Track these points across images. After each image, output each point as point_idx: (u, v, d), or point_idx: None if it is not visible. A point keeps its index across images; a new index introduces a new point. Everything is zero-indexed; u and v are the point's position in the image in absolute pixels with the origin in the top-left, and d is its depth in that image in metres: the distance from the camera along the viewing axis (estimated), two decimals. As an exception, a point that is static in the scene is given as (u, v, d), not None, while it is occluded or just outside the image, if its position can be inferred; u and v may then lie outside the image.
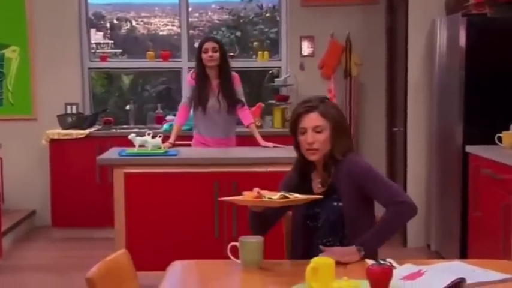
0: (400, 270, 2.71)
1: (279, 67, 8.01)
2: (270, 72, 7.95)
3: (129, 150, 5.28)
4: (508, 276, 2.67)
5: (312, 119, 3.17)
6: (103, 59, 8.03)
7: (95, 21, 8.49)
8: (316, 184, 3.26)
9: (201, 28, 8.57)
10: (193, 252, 4.63)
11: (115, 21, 8.70)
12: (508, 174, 4.73)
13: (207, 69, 5.78)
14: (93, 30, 8.29)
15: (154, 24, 8.69)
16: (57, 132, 7.21)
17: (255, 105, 7.43)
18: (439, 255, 6.14)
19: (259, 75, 8.09)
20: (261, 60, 7.97)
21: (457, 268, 2.76)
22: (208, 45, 5.74)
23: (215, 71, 5.79)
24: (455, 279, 2.55)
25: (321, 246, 3.03)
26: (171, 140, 5.72)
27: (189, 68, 7.85)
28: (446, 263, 2.92)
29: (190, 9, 8.08)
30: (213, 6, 8.56)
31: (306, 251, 3.18)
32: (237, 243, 2.90)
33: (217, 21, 8.63)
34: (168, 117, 7.54)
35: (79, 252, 6.53)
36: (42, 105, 7.67)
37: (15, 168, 7.62)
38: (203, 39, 6.07)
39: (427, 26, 6.47)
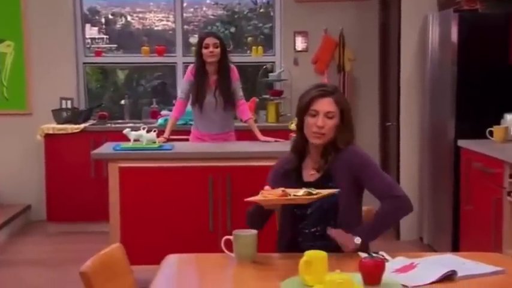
0: (393, 263, 2.75)
1: (273, 62, 8.04)
2: (264, 67, 7.98)
3: (124, 144, 5.29)
4: (499, 268, 2.70)
5: (326, 104, 3.20)
6: (98, 54, 8.04)
7: (90, 16, 8.48)
8: (309, 171, 3.28)
9: (195, 23, 8.58)
10: (188, 246, 4.63)
11: (110, 16, 8.70)
12: (499, 168, 4.77)
13: (207, 65, 5.72)
14: (88, 25, 8.28)
15: (149, 20, 8.69)
16: (52, 127, 7.22)
17: (250, 100, 7.44)
18: (432, 248, 6.18)
19: (254, 70, 8.11)
20: (255, 56, 7.99)
21: (448, 261, 2.79)
22: (209, 40, 5.66)
23: (214, 66, 5.73)
24: (447, 272, 2.59)
25: (329, 228, 3.06)
26: (165, 134, 5.68)
27: (183, 63, 7.89)
28: (438, 256, 2.96)
29: (185, 4, 8.09)
30: (208, 1, 8.56)
31: (292, 240, 3.21)
32: (231, 237, 2.91)
33: (211, 17, 8.63)
34: (163, 112, 7.54)
35: (74, 246, 6.54)
36: (37, 100, 7.67)
37: (10, 163, 7.65)
38: (203, 34, 6.02)
39: (420, 22, 6.51)
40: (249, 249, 2.88)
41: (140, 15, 8.69)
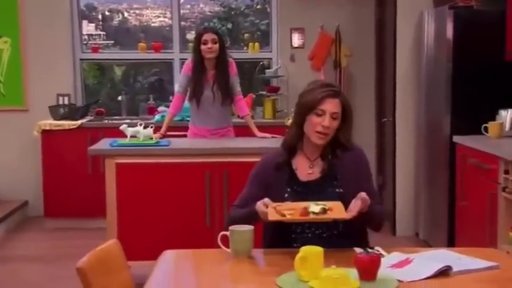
0: (388, 259, 2.76)
1: (270, 58, 8.05)
2: (261, 63, 7.99)
3: (121, 140, 5.30)
4: (493, 263, 2.72)
5: (334, 105, 3.16)
6: (95, 50, 8.04)
7: (87, 13, 8.49)
8: (305, 170, 3.24)
9: (192, 20, 8.59)
10: (185, 241, 4.65)
11: (107, 13, 8.71)
12: (494, 164, 4.79)
13: (205, 60, 5.68)
14: (85, 22, 8.29)
15: (146, 16, 8.70)
16: (49, 123, 7.23)
17: (246, 96, 7.45)
18: (427, 244, 6.20)
19: (250, 67, 8.12)
20: (251, 52, 8.00)
21: (444, 256, 2.81)
22: (208, 36, 5.62)
23: (213, 61, 5.69)
24: (442, 267, 2.61)
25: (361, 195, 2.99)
26: (162, 130, 5.68)
27: (180, 59, 7.89)
28: (434, 251, 2.97)
29: (181, 0, 8.10)
30: (205, -3, 8.59)
31: (283, 240, 3.14)
32: (227, 233, 2.92)
33: (208, 13, 8.64)
34: (160, 108, 7.54)
35: (71, 242, 6.55)
36: (34, 96, 7.68)
37: (7, 159, 7.65)
38: (201, 30, 5.95)
39: (415, 18, 6.53)
40: (245, 245, 2.88)
41: (137, 11, 8.69)
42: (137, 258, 4.15)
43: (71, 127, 7.19)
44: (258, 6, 8.52)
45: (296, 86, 7.65)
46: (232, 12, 8.61)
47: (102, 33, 8.66)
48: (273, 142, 5.46)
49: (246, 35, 8.40)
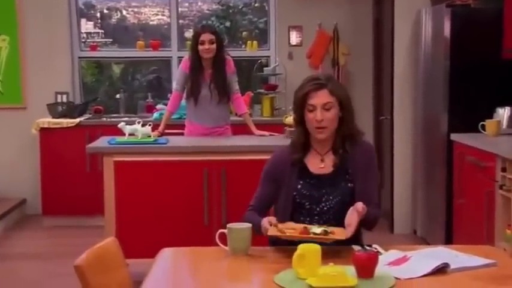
0: (386, 256, 2.77)
1: (268, 56, 8.06)
2: (259, 61, 7.99)
3: (119, 138, 5.30)
4: (491, 261, 2.73)
5: (322, 97, 3.15)
6: (93, 48, 8.04)
7: (85, 11, 8.49)
8: (316, 164, 3.24)
9: (190, 18, 8.59)
10: (183, 239, 4.63)
11: (105, 11, 8.71)
12: (491, 162, 4.81)
13: (202, 60, 5.68)
14: (83, 20, 8.30)
15: (145, 14, 8.70)
16: (48, 121, 7.23)
17: (244, 94, 7.46)
18: (425, 241, 6.21)
19: (248, 65, 8.12)
20: (250, 50, 8.01)
21: (441, 253, 2.82)
22: (205, 37, 5.61)
23: (210, 61, 5.69)
24: (440, 265, 2.62)
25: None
26: (160, 129, 5.69)
27: (178, 57, 7.90)
28: (431, 249, 2.98)
29: (179, -1, 8.12)
30: (203, -5, 8.60)
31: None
32: (225, 231, 2.92)
33: (206, 11, 8.64)
34: (159, 106, 7.54)
35: (69, 240, 6.54)
36: (32, 94, 7.68)
37: (5, 157, 7.66)
38: (199, 29, 5.88)
39: (413, 17, 6.54)
40: (242, 243, 2.89)
41: (135, 9, 8.70)
42: (135, 256, 4.16)
43: (69, 125, 7.19)
44: (256, 5, 8.52)
45: (294, 84, 7.58)
46: (231, 11, 8.61)
47: (100, 31, 8.66)
48: (271, 140, 5.48)
49: (244, 33, 8.41)
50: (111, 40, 8.66)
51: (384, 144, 7.22)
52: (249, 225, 2.94)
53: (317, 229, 2.86)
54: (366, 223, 3.09)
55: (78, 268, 2.63)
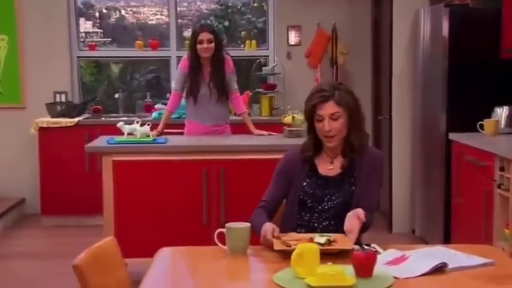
0: (384, 256, 2.77)
1: (267, 56, 8.06)
2: (258, 61, 8.00)
3: (118, 138, 5.30)
4: (489, 260, 2.73)
5: (328, 108, 3.24)
6: (92, 47, 8.04)
7: (84, 10, 8.49)
8: (326, 165, 3.34)
9: (189, 17, 8.59)
10: (182, 238, 4.64)
11: (104, 11, 8.71)
12: (489, 161, 4.81)
13: (201, 58, 5.70)
14: (82, 19, 8.30)
15: (143, 14, 8.70)
16: (46, 120, 7.22)
17: (243, 94, 7.46)
18: (424, 241, 6.21)
19: (247, 64, 8.13)
20: (248, 50, 8.02)
21: (439, 253, 2.82)
22: (203, 36, 5.63)
23: (208, 60, 5.70)
24: (438, 264, 2.62)
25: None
26: (159, 128, 5.69)
27: (177, 57, 7.89)
28: (429, 248, 2.99)
29: (178, -2, 8.12)
30: (201, -5, 8.60)
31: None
32: (223, 230, 2.92)
33: (205, 11, 8.65)
34: (157, 106, 7.54)
35: (68, 239, 6.54)
36: (31, 94, 7.68)
37: (4, 156, 7.65)
38: (198, 28, 5.91)
39: (411, 16, 6.54)
40: (241, 242, 2.89)
41: (134, 9, 8.70)
42: (134, 256, 4.16)
43: (68, 124, 7.19)
44: (255, 4, 8.53)
45: (293, 84, 7.68)
46: (229, 10, 8.62)
47: (99, 30, 8.67)
48: (270, 140, 5.49)
49: (242, 33, 8.42)
50: (110, 40, 8.66)
51: (382, 143, 7.23)
52: (248, 224, 2.95)
53: (320, 239, 2.87)
54: (362, 229, 3.11)
55: (76, 268, 2.63)
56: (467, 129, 5.49)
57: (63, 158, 7.16)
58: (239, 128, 5.99)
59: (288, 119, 5.45)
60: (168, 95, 7.98)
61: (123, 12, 8.73)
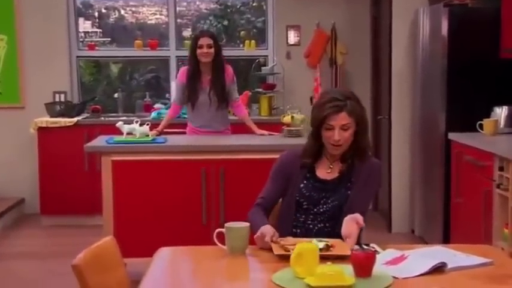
0: (383, 255, 2.77)
1: (266, 56, 8.06)
2: (257, 61, 8.01)
3: (117, 138, 5.30)
4: (488, 260, 2.74)
5: (341, 119, 3.22)
6: (91, 47, 8.04)
7: (83, 10, 8.49)
8: (324, 169, 3.34)
9: (188, 17, 8.60)
10: (181, 238, 4.65)
11: (103, 10, 8.71)
12: (489, 161, 4.81)
13: (201, 64, 5.71)
14: (81, 19, 8.29)
15: (143, 13, 8.70)
16: (46, 120, 7.22)
17: (242, 94, 7.46)
18: (423, 240, 6.21)
19: (246, 64, 8.13)
20: (247, 49, 8.02)
21: (438, 253, 2.83)
22: (203, 41, 5.65)
23: (209, 66, 5.72)
24: (437, 264, 2.63)
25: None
26: (159, 128, 5.72)
27: (177, 56, 7.92)
28: (429, 248, 2.99)
29: (177, -2, 8.12)
30: (201, -5, 8.60)
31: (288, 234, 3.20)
32: (223, 230, 2.92)
33: (204, 11, 8.65)
34: (156, 106, 7.56)
35: (68, 239, 6.53)
36: (30, 94, 7.67)
37: (3, 156, 7.65)
38: (198, 33, 5.95)
39: (411, 16, 6.54)
40: (240, 242, 2.89)
41: (133, 9, 8.69)
42: (133, 255, 4.17)
43: (67, 124, 7.19)
44: (254, 4, 8.53)
45: (292, 84, 7.69)
46: (228, 10, 8.61)
47: (98, 30, 8.66)
48: (269, 139, 5.49)
49: (242, 33, 8.41)
50: (109, 39, 8.66)
51: (381, 143, 7.23)
52: (247, 224, 2.95)
53: (319, 243, 2.86)
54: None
55: (76, 267, 2.63)
56: (466, 129, 5.49)
57: (62, 157, 7.15)
58: (239, 128, 5.99)
59: (287, 119, 5.45)
60: (167, 94, 8.02)
61: (122, 12, 8.73)
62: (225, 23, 8.57)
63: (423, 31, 6.25)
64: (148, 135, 5.31)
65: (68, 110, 7.40)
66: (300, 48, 7.83)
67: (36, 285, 5.48)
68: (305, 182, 3.31)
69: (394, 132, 6.72)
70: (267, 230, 3.01)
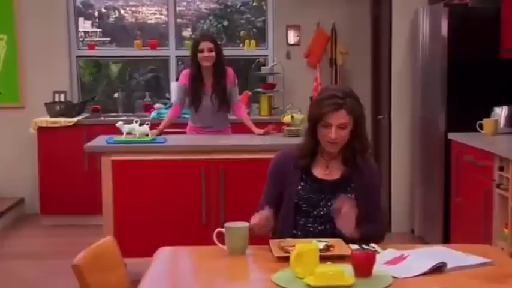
0: (383, 255, 2.77)
1: (266, 56, 8.07)
2: (257, 60, 8.01)
3: (117, 137, 5.30)
4: (488, 260, 2.74)
5: (339, 117, 3.16)
6: (91, 47, 8.04)
7: (83, 10, 8.49)
8: (321, 169, 3.29)
9: (188, 17, 8.60)
10: (181, 238, 4.62)
11: (103, 10, 8.71)
12: (488, 161, 4.82)
13: (202, 68, 5.72)
14: (81, 19, 8.29)
15: (142, 13, 8.70)
16: (45, 120, 7.22)
17: (242, 94, 7.46)
18: (423, 240, 6.21)
19: (246, 64, 8.13)
20: (247, 49, 8.02)
21: (438, 252, 2.82)
22: (204, 45, 5.65)
23: (210, 70, 5.73)
24: (437, 264, 2.63)
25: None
26: (160, 127, 5.73)
27: (176, 56, 7.92)
28: (428, 248, 2.99)
29: (177, -2, 8.12)
30: (201, -6, 8.60)
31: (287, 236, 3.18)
32: (222, 230, 2.92)
33: (204, 10, 8.65)
34: (156, 105, 7.56)
35: (67, 239, 6.53)
36: (30, 94, 7.68)
37: (3, 156, 7.65)
38: (199, 37, 5.98)
39: (411, 16, 6.54)
40: (240, 242, 2.89)
41: (133, 8, 8.70)
42: (133, 255, 4.16)
43: (67, 124, 7.19)
44: (254, 4, 8.53)
45: (292, 83, 7.69)
46: (228, 10, 8.62)
47: (98, 30, 8.67)
48: (269, 139, 5.49)
49: (242, 32, 8.41)
50: (109, 39, 8.66)
51: (381, 143, 7.23)
52: (247, 224, 2.94)
53: (319, 244, 2.86)
54: (368, 238, 3.06)
55: (75, 267, 2.63)
56: (466, 129, 5.50)
57: (62, 157, 7.15)
58: (239, 128, 5.99)
59: (287, 119, 5.45)
60: (167, 94, 8.02)
61: (122, 11, 8.73)
62: (225, 22, 8.57)
63: (423, 31, 6.25)
64: (148, 135, 5.31)
65: (68, 109, 7.40)
66: (300, 48, 7.83)
67: (36, 285, 5.48)
68: (302, 183, 3.26)
69: (394, 132, 6.72)
70: (261, 212, 3.03)
